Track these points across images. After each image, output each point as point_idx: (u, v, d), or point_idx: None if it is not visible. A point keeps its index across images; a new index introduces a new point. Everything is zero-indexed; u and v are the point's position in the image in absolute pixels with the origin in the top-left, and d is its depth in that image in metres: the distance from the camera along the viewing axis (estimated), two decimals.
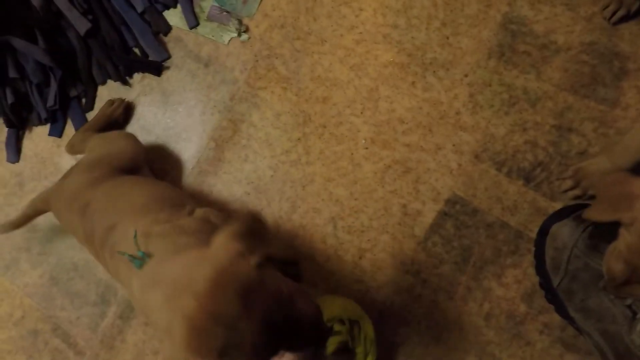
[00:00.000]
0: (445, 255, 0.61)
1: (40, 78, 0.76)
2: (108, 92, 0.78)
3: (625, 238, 0.41)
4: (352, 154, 0.66)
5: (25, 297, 0.77)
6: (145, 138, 0.76)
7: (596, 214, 0.44)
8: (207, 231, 0.43)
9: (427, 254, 0.62)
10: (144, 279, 0.40)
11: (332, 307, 0.56)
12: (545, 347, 0.57)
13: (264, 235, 0.38)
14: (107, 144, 0.63)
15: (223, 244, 0.35)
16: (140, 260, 0.42)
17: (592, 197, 0.57)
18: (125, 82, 0.77)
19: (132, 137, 0.66)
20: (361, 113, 0.67)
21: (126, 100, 0.76)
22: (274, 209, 0.68)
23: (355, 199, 0.65)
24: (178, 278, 0.35)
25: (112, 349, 0.67)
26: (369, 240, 0.64)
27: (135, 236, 0.44)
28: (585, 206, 0.55)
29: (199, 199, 0.72)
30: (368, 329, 0.57)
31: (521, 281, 0.59)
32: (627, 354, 0.48)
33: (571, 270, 0.53)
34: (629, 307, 0.48)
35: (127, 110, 0.76)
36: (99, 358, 0.67)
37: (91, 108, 0.78)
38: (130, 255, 0.43)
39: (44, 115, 0.78)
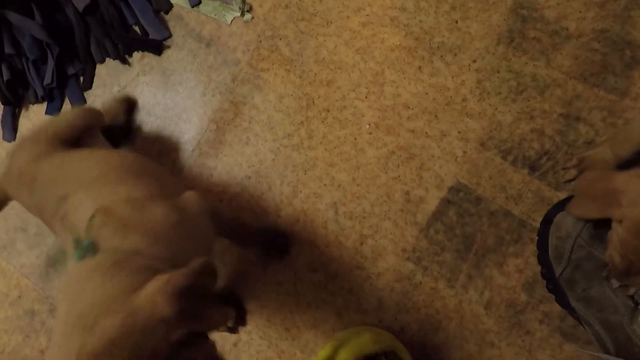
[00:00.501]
0: (447, 243, 0.61)
1: (37, 54, 0.75)
2: (107, 70, 0.77)
3: (618, 233, 0.42)
4: (355, 138, 0.66)
5: (22, 277, 0.77)
6: (144, 118, 0.75)
7: (580, 210, 0.45)
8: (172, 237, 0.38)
9: (429, 241, 0.62)
10: (73, 274, 0.35)
11: (362, 344, 0.53)
12: (544, 337, 0.57)
13: (207, 297, 0.32)
14: (54, 118, 0.60)
15: (149, 299, 0.29)
16: (84, 251, 0.36)
17: None
18: (124, 61, 0.75)
19: (83, 109, 0.62)
20: (366, 97, 0.66)
21: (130, 98, 0.73)
22: (275, 193, 0.67)
23: (358, 185, 0.65)
24: (87, 309, 0.30)
25: None
26: (370, 226, 0.64)
27: (92, 218, 0.38)
28: None
29: (198, 183, 0.71)
30: (403, 353, 0.54)
31: (522, 270, 0.59)
32: (628, 344, 0.48)
33: (574, 260, 0.53)
34: (631, 297, 0.48)
35: (129, 106, 0.73)
36: None
37: (89, 87, 0.77)
38: (77, 241, 0.38)
39: (40, 93, 0.77)
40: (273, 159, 0.68)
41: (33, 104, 0.79)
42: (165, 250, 0.37)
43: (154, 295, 0.29)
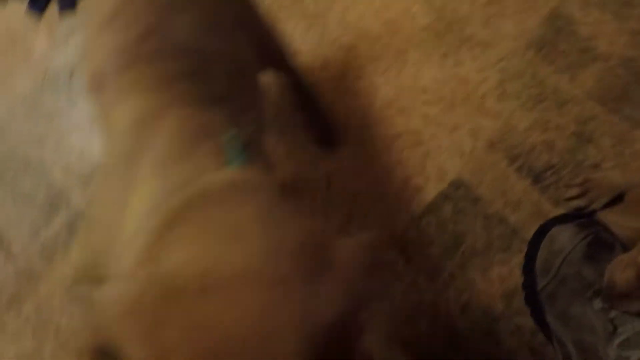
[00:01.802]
0: (437, 238, 0.60)
1: None
2: None
3: None
4: (365, 112, 0.63)
5: None
6: None
7: (620, 217, 0.43)
8: None
9: (418, 232, 0.60)
10: (223, 179, 0.23)
11: None
12: (512, 349, 0.57)
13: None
14: None
15: (350, 259, 0.21)
16: (236, 155, 0.25)
17: (594, 212, 0.57)
18: None
19: None
20: (384, 72, 0.64)
21: None
22: None
23: (357, 160, 0.62)
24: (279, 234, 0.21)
25: (51, 262, 0.61)
26: (361, 205, 0.61)
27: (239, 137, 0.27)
28: (589, 215, 0.56)
29: None
30: None
31: (505, 279, 0.58)
32: None
33: (561, 275, 0.53)
34: (611, 320, 0.49)
35: None
36: (33, 268, 0.61)
37: None
38: (236, 137, 0.26)
39: None
40: None
41: None
42: None
43: (352, 256, 0.21)
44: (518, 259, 0.58)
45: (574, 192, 0.57)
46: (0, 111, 0.67)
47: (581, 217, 0.54)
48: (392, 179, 0.61)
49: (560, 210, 0.59)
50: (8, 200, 0.66)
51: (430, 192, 0.61)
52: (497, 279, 0.58)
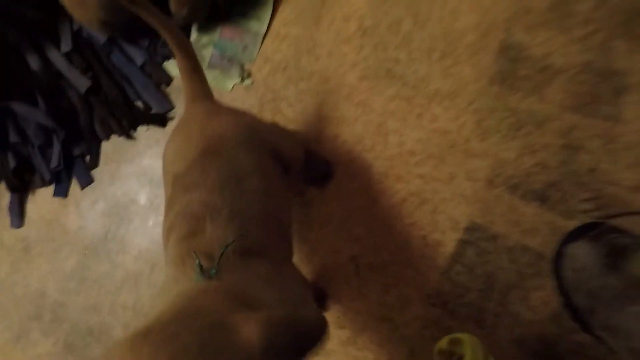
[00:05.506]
0: (470, 284, 0.70)
1: (42, 140, 0.87)
2: (113, 147, 0.88)
3: None
4: (367, 190, 0.76)
5: None
6: (154, 191, 0.85)
7: None
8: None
9: (452, 284, 0.71)
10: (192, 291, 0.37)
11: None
12: None
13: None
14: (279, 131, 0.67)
15: (246, 338, 0.30)
16: (206, 274, 0.40)
17: (613, 216, 0.66)
18: (129, 137, 0.87)
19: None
20: (372, 148, 0.77)
21: None
22: (294, 253, 0.77)
23: (375, 236, 0.74)
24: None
25: None
26: (392, 275, 0.73)
27: (227, 247, 0.43)
28: (597, 225, 0.65)
29: None
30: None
31: (548, 302, 0.68)
32: None
33: (592, 291, 0.62)
34: None
35: None
36: None
37: (96, 165, 0.88)
38: (200, 266, 0.41)
39: (47, 177, 0.88)
40: None
41: (40, 188, 0.90)
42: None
43: (248, 336, 0.30)
44: (552, 280, 0.68)
45: (586, 206, 0.67)
46: (53, 290, 0.84)
47: (589, 230, 0.64)
48: (411, 242, 0.73)
49: (574, 222, 0.68)
50: None
51: (450, 243, 0.72)
52: (540, 304, 0.68)
